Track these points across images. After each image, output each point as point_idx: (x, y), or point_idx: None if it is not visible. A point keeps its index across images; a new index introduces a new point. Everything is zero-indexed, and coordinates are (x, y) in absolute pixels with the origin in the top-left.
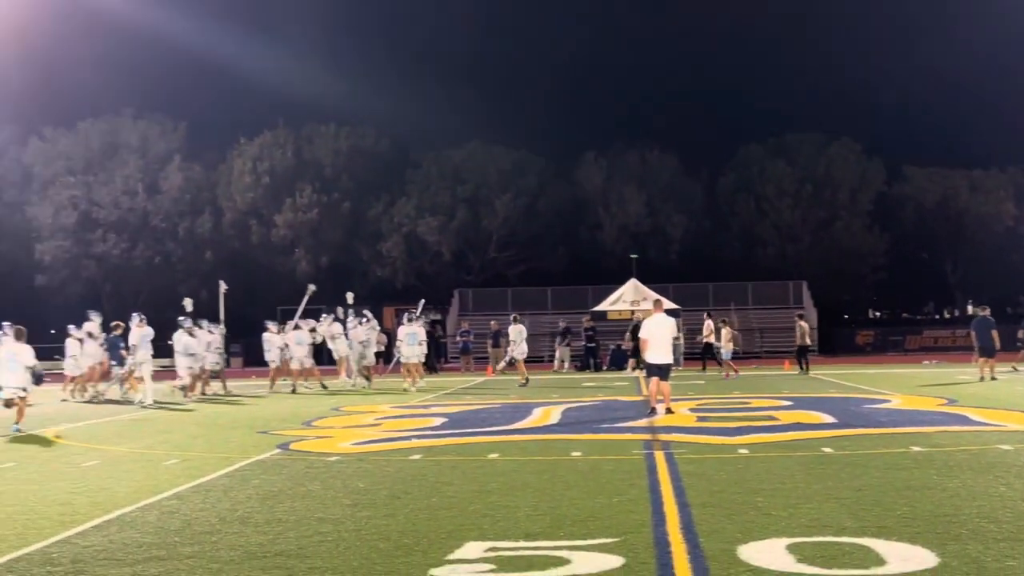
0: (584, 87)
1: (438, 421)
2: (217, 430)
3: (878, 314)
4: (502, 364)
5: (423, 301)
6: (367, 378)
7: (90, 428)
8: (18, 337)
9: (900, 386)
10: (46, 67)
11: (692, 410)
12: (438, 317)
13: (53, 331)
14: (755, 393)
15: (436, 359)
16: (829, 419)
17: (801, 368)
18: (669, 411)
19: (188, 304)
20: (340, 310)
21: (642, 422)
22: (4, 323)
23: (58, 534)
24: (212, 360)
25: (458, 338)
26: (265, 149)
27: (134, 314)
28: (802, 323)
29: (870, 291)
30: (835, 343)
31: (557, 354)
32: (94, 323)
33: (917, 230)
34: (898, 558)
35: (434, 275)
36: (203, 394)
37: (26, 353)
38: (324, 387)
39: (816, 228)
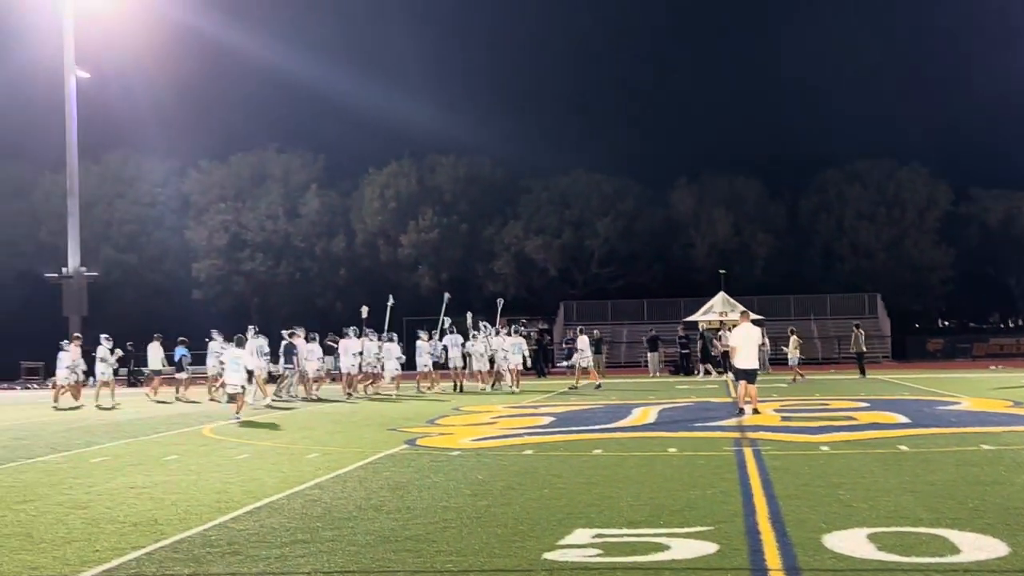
0: (677, 119)
1: (547, 420)
2: (352, 427)
3: (947, 323)
4: (577, 375)
5: (469, 314)
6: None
7: (240, 425)
8: (239, 344)
9: (969, 390)
10: (202, 107)
11: (777, 411)
12: (546, 327)
13: (205, 339)
14: (834, 395)
15: (544, 364)
16: (903, 419)
17: (861, 372)
18: (756, 411)
19: (364, 311)
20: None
21: (731, 421)
22: (213, 331)
23: (215, 519)
24: (369, 363)
25: (564, 345)
26: (392, 177)
27: (296, 327)
28: (859, 331)
29: (939, 302)
30: (907, 350)
31: (650, 360)
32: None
33: (982, 246)
34: (971, 547)
35: (541, 289)
36: (372, 393)
37: (247, 356)
38: (421, 391)
39: (888, 245)
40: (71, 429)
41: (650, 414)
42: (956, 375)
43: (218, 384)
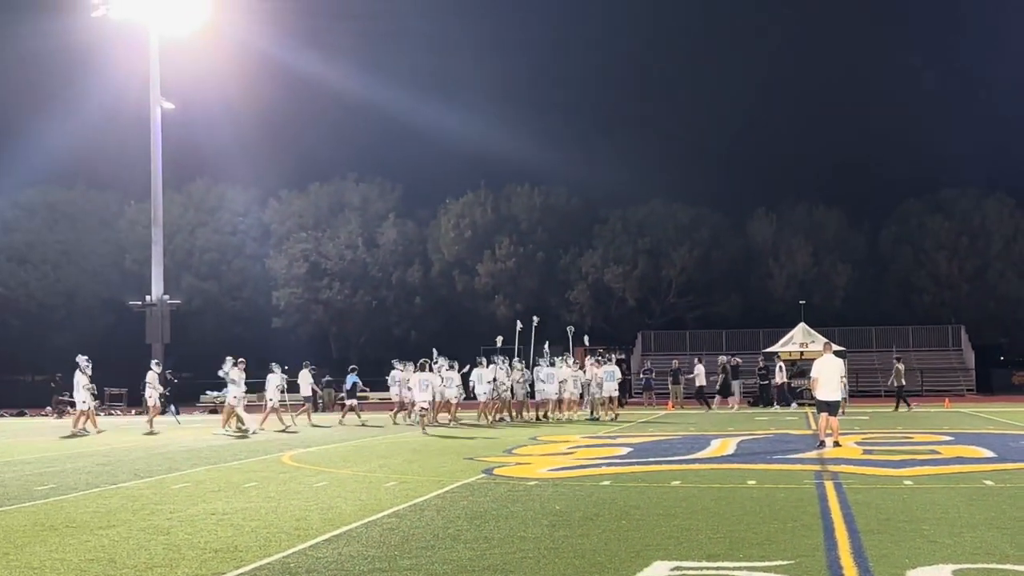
0: (755, 147)
1: (625, 450)
2: (429, 456)
3: None
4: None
5: (499, 338)
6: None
7: (320, 452)
8: (421, 368)
9: None
10: (282, 137)
11: (858, 443)
12: (622, 356)
13: (286, 366)
14: (917, 428)
15: (621, 395)
16: (989, 453)
17: (903, 405)
18: (837, 444)
19: (499, 341)
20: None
21: (812, 454)
22: (395, 360)
23: (295, 546)
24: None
25: (641, 375)
26: (468, 207)
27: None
28: (899, 365)
29: None
30: (992, 383)
31: (734, 390)
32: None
33: None
34: None
35: (618, 319)
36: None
37: (435, 379)
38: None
39: (972, 276)
40: (153, 455)
41: (729, 446)
42: None
43: (395, 409)
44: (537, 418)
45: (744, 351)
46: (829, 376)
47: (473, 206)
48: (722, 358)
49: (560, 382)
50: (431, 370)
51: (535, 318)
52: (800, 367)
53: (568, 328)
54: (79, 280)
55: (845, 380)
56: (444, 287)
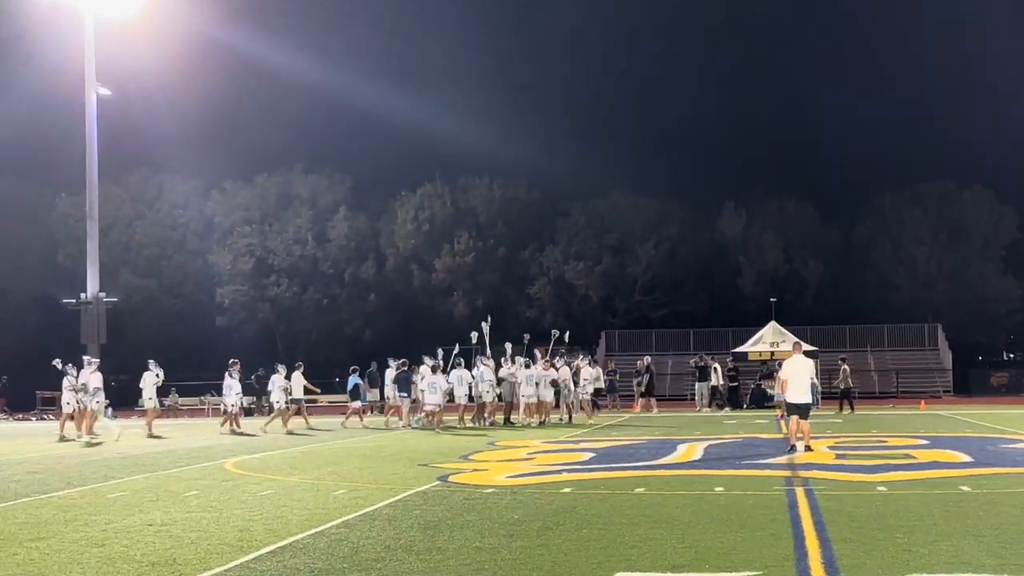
0: (724, 139)
1: (587, 456)
2: (381, 462)
3: (1012, 356)
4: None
5: (475, 334)
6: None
7: (266, 459)
8: (434, 370)
9: None
10: (226, 126)
11: (831, 448)
12: (591, 356)
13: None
14: (892, 432)
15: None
16: (966, 458)
17: (844, 408)
18: (808, 448)
19: (475, 336)
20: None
21: (782, 459)
22: (390, 359)
23: (237, 559)
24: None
25: (604, 377)
26: (425, 199)
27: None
28: (845, 366)
29: (1005, 334)
30: (970, 384)
31: (698, 391)
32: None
33: None
34: None
35: (581, 316)
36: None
37: (442, 379)
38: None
39: (950, 273)
40: (88, 462)
41: (696, 450)
42: (1022, 411)
43: (391, 411)
44: (507, 420)
45: (713, 351)
46: (799, 378)
47: (430, 198)
48: (693, 360)
49: (528, 384)
50: (445, 371)
51: (488, 319)
52: (769, 368)
53: (554, 332)
54: (9, 277)
55: (816, 382)
56: (399, 283)
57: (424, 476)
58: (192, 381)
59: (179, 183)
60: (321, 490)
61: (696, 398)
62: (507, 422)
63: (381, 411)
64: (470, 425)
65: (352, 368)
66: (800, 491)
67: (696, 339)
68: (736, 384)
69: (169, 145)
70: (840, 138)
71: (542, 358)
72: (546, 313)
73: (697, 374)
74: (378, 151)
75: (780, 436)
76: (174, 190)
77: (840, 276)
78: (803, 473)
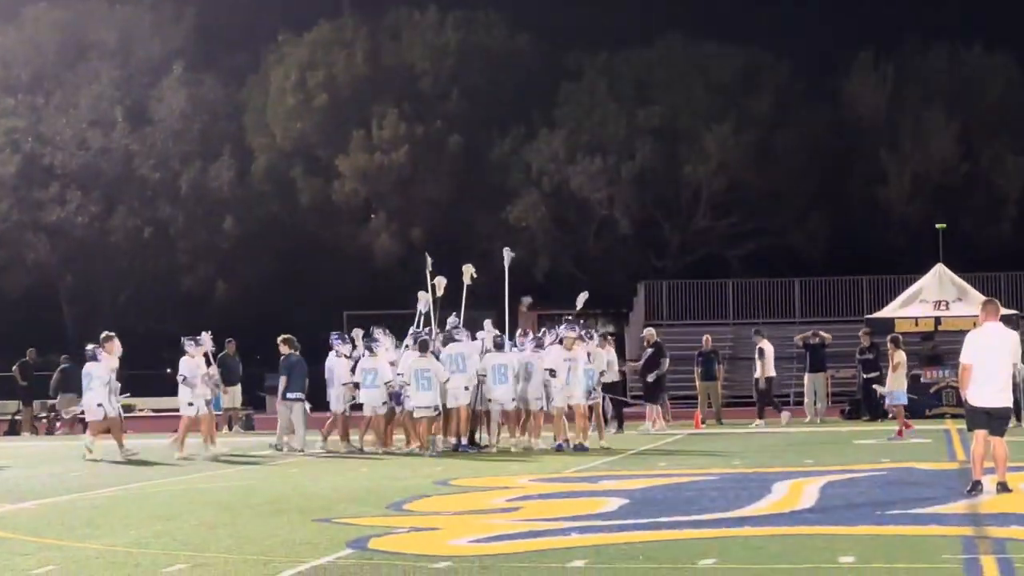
0: None
1: (614, 503)
2: (251, 516)
3: None
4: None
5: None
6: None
7: (47, 509)
8: (423, 347)
9: None
10: None
11: None
12: (611, 329)
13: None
14: None
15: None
16: None
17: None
18: (1004, 487)
19: (423, 301)
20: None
21: (958, 506)
22: (335, 334)
23: None
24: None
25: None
26: (321, 50)
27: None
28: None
29: None
30: None
31: (806, 391)
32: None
33: None
34: None
35: (602, 258)
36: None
37: (440, 369)
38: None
39: None
40: None
41: (805, 492)
42: None
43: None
44: (472, 440)
45: (834, 318)
46: (995, 364)
47: (329, 48)
48: (799, 337)
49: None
50: (427, 351)
51: (428, 260)
52: (934, 347)
53: (583, 295)
54: None
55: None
56: (276, 198)
57: (326, 540)
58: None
59: None
60: (141, 567)
61: (806, 401)
62: (472, 443)
63: (247, 424)
64: (392, 449)
65: (282, 340)
66: (989, 561)
67: (805, 298)
68: (877, 374)
69: None
70: None
71: (522, 334)
72: (538, 252)
73: (808, 359)
74: None
75: (952, 466)
76: None
77: None
78: (994, 531)
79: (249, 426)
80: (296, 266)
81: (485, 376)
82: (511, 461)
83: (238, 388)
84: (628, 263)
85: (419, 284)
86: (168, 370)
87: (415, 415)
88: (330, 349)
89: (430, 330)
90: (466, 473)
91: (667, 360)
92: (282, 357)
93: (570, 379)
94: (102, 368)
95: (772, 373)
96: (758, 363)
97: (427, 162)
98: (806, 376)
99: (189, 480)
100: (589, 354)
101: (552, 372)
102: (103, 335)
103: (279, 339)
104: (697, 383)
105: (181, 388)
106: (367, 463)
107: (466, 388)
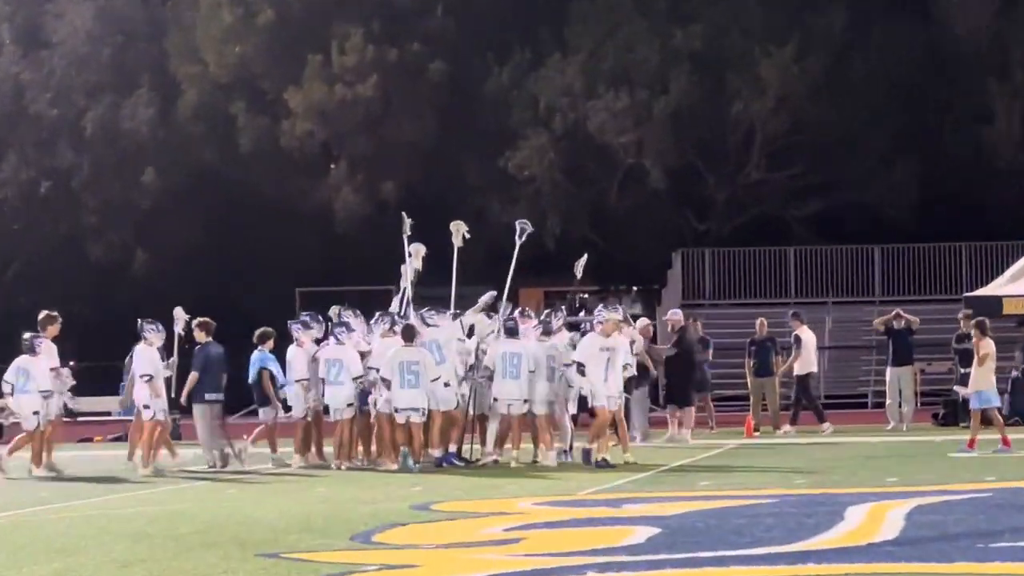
0: None
1: (642, 533)
2: (173, 549)
3: None
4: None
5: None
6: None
7: None
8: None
9: None
10: None
11: None
12: (637, 310)
13: None
14: None
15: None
16: None
17: None
18: None
19: (407, 270)
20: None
21: None
22: (297, 323)
23: None
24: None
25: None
26: None
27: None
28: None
29: None
30: None
31: (889, 382)
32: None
33: None
34: None
35: (627, 219)
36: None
37: (431, 363)
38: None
39: None
40: None
41: (888, 519)
42: None
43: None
44: (459, 453)
45: (920, 296)
46: None
47: None
48: (879, 320)
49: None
50: (413, 339)
51: (406, 222)
52: None
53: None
54: None
55: None
56: (209, 143)
57: None
58: None
59: None
60: None
61: (887, 402)
62: (459, 455)
63: (173, 432)
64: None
65: (198, 324)
66: None
67: (888, 268)
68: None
69: None
70: None
71: (522, 315)
72: (545, 211)
73: (891, 349)
74: None
75: None
76: None
77: None
78: None
79: (175, 435)
80: (235, 230)
81: (490, 371)
82: (510, 479)
83: (160, 388)
84: (661, 226)
85: (392, 253)
86: (72, 363)
87: (397, 418)
88: (289, 340)
89: (405, 312)
90: (452, 495)
91: (710, 350)
92: (197, 346)
93: (608, 375)
94: (39, 364)
95: (813, 368)
96: (795, 355)
97: (403, 96)
98: (888, 371)
99: (100, 503)
100: (633, 342)
101: (581, 367)
102: (43, 315)
103: (193, 323)
104: (749, 379)
105: (139, 387)
106: (325, 482)
107: (446, 385)
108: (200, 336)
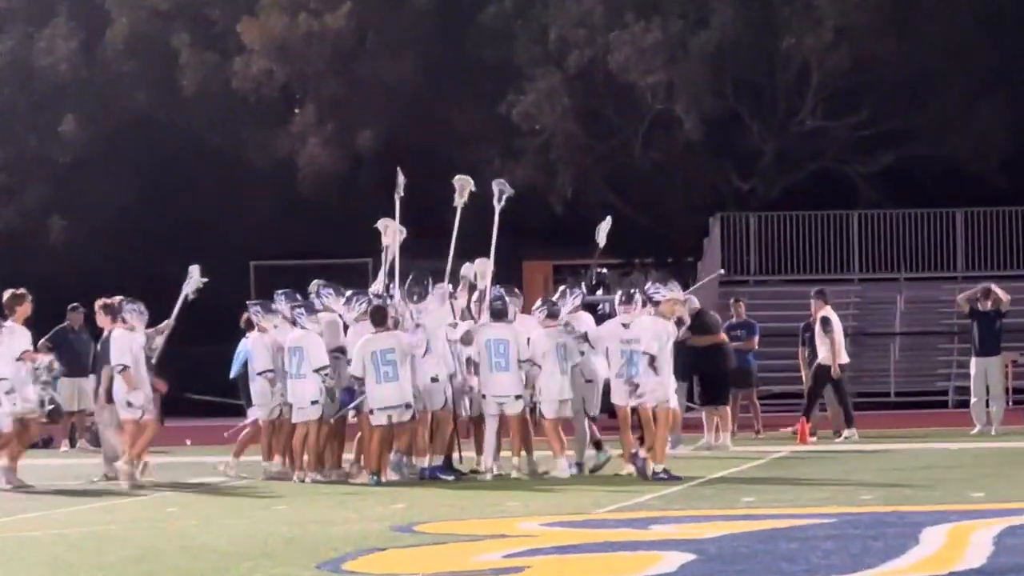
0: None
1: (674, 560)
2: None
3: None
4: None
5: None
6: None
7: None
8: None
9: None
10: None
11: None
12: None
13: None
14: None
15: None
16: None
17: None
18: None
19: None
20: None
21: None
22: (252, 309)
23: None
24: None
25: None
26: None
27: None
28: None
29: None
30: None
31: (973, 384)
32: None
33: None
34: None
35: (656, 178)
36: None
37: (409, 349)
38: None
39: None
40: None
41: (973, 542)
42: None
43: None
44: (447, 463)
45: (1013, 271)
46: None
47: None
48: (962, 297)
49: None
50: (384, 323)
51: (400, 181)
52: None
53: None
54: None
55: None
56: (144, 84)
57: None
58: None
59: None
60: None
61: (972, 400)
62: (448, 466)
63: (96, 440)
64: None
65: (101, 306)
66: None
67: (972, 237)
68: None
69: None
70: None
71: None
72: (557, 169)
73: (976, 334)
74: None
75: None
76: None
77: None
78: None
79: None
80: (175, 191)
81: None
82: (510, 494)
83: (86, 381)
84: (697, 185)
85: (369, 218)
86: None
87: (373, 421)
88: (249, 327)
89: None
90: (441, 513)
91: (755, 336)
92: (104, 333)
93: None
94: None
95: (844, 359)
96: (822, 342)
97: (380, 27)
98: (973, 361)
99: (13, 523)
100: (680, 320)
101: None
102: (8, 294)
103: (97, 304)
104: (803, 371)
105: (118, 381)
106: (286, 499)
107: (434, 380)
108: (104, 321)
